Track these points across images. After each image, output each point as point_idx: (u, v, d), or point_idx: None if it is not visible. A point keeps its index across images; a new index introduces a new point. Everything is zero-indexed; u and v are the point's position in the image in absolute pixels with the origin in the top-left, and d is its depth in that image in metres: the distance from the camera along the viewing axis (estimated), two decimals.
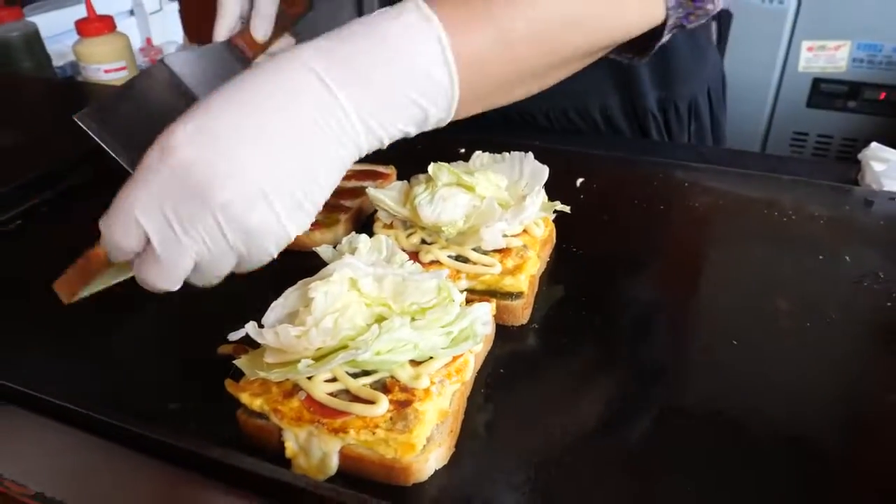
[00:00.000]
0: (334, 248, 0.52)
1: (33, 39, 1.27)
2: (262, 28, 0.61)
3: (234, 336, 0.43)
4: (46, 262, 0.48)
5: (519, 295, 0.54)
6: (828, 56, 1.58)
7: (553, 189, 0.64)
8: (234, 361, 0.44)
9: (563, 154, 0.75)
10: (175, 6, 1.73)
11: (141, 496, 0.40)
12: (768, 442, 0.43)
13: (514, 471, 0.42)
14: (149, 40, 1.61)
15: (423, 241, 0.57)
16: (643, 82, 0.83)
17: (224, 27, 0.61)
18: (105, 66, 1.13)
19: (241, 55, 0.61)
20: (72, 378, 0.49)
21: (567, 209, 0.60)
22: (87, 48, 1.13)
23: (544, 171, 0.58)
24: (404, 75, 0.41)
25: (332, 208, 0.64)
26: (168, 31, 1.68)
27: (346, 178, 0.66)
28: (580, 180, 0.72)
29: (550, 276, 0.60)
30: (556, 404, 0.47)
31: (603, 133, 0.88)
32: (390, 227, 0.59)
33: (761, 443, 0.43)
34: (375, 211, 0.62)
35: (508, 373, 0.51)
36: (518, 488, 0.41)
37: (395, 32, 0.41)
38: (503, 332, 0.54)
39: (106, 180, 0.45)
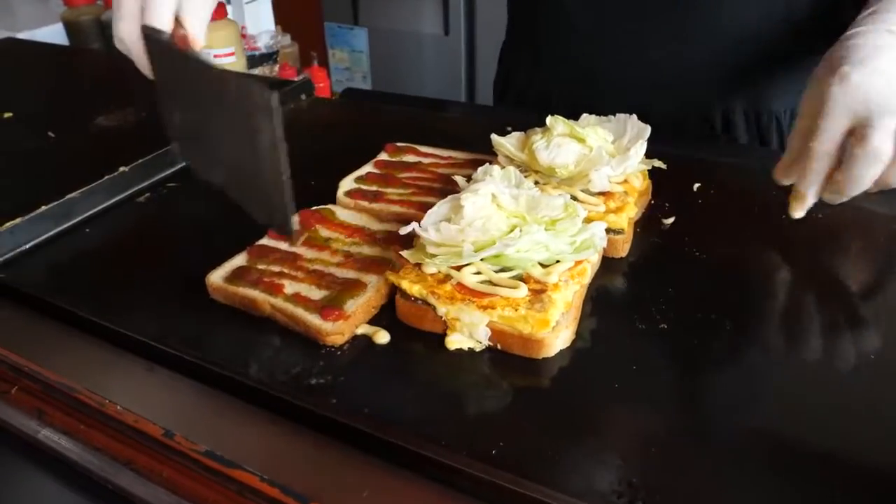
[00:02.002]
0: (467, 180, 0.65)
1: (105, 23, 1.42)
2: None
3: (404, 230, 0.55)
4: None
5: (620, 231, 0.65)
6: None
7: (669, 192, 0.72)
8: (402, 253, 0.56)
9: (681, 159, 0.78)
10: None
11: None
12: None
13: (615, 365, 0.53)
14: (243, 28, 1.77)
15: (537, 182, 0.69)
16: (774, 84, 0.84)
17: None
18: (216, 52, 1.29)
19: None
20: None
21: (664, 165, 0.70)
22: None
23: (646, 130, 0.69)
24: None
25: None
26: (262, 20, 1.83)
27: (460, 165, 0.79)
28: (696, 184, 0.76)
29: (644, 224, 0.71)
30: (645, 316, 0.57)
31: (720, 139, 0.89)
32: None
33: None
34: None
35: (608, 294, 0.62)
36: (621, 376, 0.51)
37: None
38: (605, 262, 0.65)
39: None
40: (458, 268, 0.55)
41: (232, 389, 0.49)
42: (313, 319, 0.54)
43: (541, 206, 0.57)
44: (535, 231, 0.55)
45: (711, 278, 0.62)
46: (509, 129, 0.90)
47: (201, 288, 0.61)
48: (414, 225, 0.56)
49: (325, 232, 0.66)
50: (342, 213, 0.69)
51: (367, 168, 0.79)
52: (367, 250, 0.63)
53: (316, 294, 0.57)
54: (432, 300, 0.54)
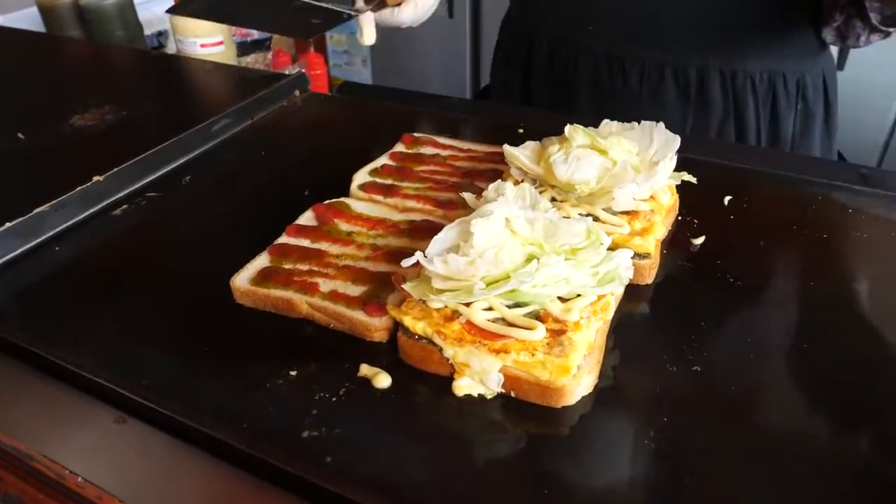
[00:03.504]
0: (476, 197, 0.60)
1: (126, 8, 1.39)
2: None
3: (407, 262, 0.51)
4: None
5: (646, 255, 0.61)
6: None
7: (697, 206, 0.68)
8: (403, 286, 0.52)
9: (708, 167, 0.75)
10: None
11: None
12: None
13: (642, 411, 0.49)
14: None
15: (554, 199, 0.64)
16: (749, 46, 0.87)
17: None
18: (202, 41, 1.24)
19: None
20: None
21: (694, 180, 0.66)
22: (186, 21, 1.24)
23: (675, 141, 0.65)
24: None
25: None
26: None
27: (480, 158, 0.76)
28: (728, 198, 0.72)
29: (671, 244, 0.66)
30: (676, 355, 0.53)
31: (692, 101, 0.90)
32: (521, 183, 0.66)
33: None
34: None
35: (633, 326, 0.58)
36: (650, 424, 0.48)
37: None
38: (630, 287, 0.60)
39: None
40: (468, 303, 0.51)
41: (214, 448, 0.45)
42: (358, 316, 0.54)
43: (560, 232, 0.53)
44: (553, 263, 0.50)
45: (747, 310, 0.58)
46: (521, 130, 0.86)
47: (186, 319, 0.57)
48: (418, 255, 0.51)
49: (344, 226, 0.66)
50: (358, 206, 0.69)
51: (383, 160, 0.78)
52: (394, 242, 0.63)
53: (353, 290, 0.57)
54: (438, 340, 0.50)
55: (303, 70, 1.08)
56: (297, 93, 1.00)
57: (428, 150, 0.80)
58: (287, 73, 1.04)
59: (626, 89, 0.93)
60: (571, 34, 0.96)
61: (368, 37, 0.78)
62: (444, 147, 0.80)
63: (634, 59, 0.91)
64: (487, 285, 0.49)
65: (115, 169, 0.76)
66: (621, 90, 0.94)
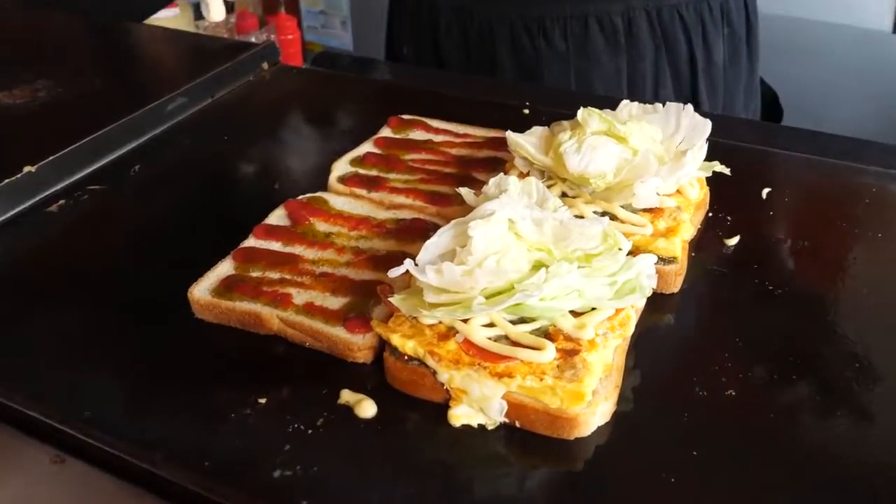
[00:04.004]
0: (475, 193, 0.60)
1: None
2: None
3: (395, 272, 0.51)
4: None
5: (672, 260, 0.61)
6: None
7: (730, 200, 0.68)
8: (390, 298, 0.52)
9: (742, 153, 0.74)
10: None
11: None
12: None
13: (668, 444, 0.49)
14: None
15: (564, 195, 0.64)
16: None
17: None
18: None
19: None
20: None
21: (727, 171, 0.66)
22: None
23: (706, 126, 0.65)
24: None
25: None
26: None
27: (479, 145, 0.76)
28: (766, 190, 0.72)
29: (701, 246, 0.66)
30: (707, 378, 0.53)
31: (622, 47, 0.98)
32: (526, 176, 0.66)
33: None
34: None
35: (656, 341, 0.58)
36: (677, 460, 0.47)
37: None
38: (652, 299, 0.60)
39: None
40: (466, 319, 0.50)
41: (167, 492, 0.45)
42: (339, 333, 0.54)
43: (572, 235, 0.53)
44: (564, 272, 0.50)
45: (791, 323, 0.58)
46: (526, 110, 0.86)
47: (135, 337, 0.57)
48: (408, 263, 0.51)
49: (322, 226, 0.65)
50: (337, 202, 0.68)
51: (366, 147, 0.77)
52: (379, 244, 0.63)
53: (333, 302, 0.57)
54: (431, 362, 0.50)
55: (272, 37, 1.08)
56: (265, 65, 1.00)
57: (419, 135, 0.80)
58: (254, 40, 1.04)
59: (549, 50, 0.99)
60: (479, 5, 1.02)
61: None
62: (438, 131, 0.80)
63: (554, 16, 0.98)
64: (488, 298, 0.49)
65: (50, 158, 0.75)
66: (545, 52, 1.00)
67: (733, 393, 0.52)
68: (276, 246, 0.63)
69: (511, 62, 1.02)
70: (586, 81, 1.01)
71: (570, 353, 0.49)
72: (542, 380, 0.48)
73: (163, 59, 1.05)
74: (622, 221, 0.62)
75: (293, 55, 1.81)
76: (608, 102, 0.70)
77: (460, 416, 0.50)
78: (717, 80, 1.05)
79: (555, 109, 0.79)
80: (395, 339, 0.51)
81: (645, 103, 0.69)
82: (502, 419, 0.50)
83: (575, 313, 0.52)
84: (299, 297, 0.58)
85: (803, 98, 1.34)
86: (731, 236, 0.66)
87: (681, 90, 1.04)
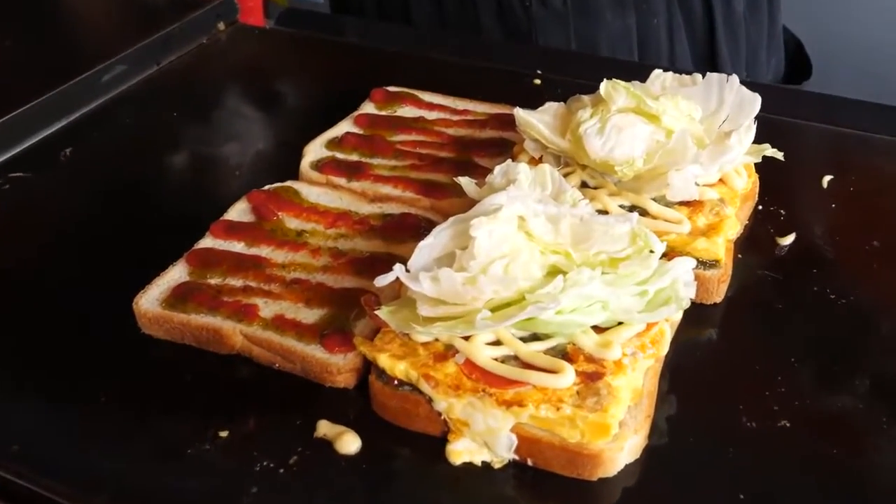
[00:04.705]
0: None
1: None
2: None
3: (382, 280, 0.52)
4: None
5: (714, 264, 0.62)
6: None
7: (787, 191, 0.68)
8: (377, 311, 0.53)
9: (798, 132, 0.75)
10: None
11: None
12: None
13: (709, 485, 0.50)
14: None
15: (584, 185, 0.65)
16: None
17: None
18: None
19: None
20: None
21: (780, 156, 0.67)
22: None
23: (755, 102, 0.66)
24: None
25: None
26: None
27: (480, 124, 0.78)
28: (827, 178, 0.73)
29: (749, 246, 0.68)
30: (755, 405, 0.54)
31: (630, 2, 0.99)
32: (538, 162, 0.67)
33: None
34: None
35: (696, 362, 0.59)
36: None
37: None
38: (691, 310, 0.61)
39: None
40: (467, 336, 0.52)
41: None
42: (314, 352, 0.55)
43: (594, 235, 0.54)
44: (585, 280, 0.51)
45: (856, 339, 0.60)
46: (537, 80, 0.87)
47: (72, 357, 0.58)
48: (398, 270, 0.52)
49: (293, 222, 0.66)
50: (311, 193, 0.69)
51: (345, 126, 0.78)
52: (362, 245, 0.64)
53: (307, 315, 0.58)
54: (426, 388, 0.51)
55: None
56: (220, 25, 1.01)
57: (408, 112, 0.80)
58: None
59: (544, 9, 1.00)
60: None
61: None
62: (431, 107, 0.81)
63: None
64: (494, 312, 0.50)
65: None
66: (538, 12, 1.00)
67: (787, 424, 0.53)
68: (238, 247, 0.64)
69: (495, 24, 1.03)
70: (589, 45, 1.01)
71: (592, 377, 0.50)
72: (558, 409, 0.49)
73: (99, 19, 1.05)
74: (654, 217, 0.63)
75: (253, 13, 1.81)
76: (641, 72, 0.71)
77: (461, 452, 0.51)
78: (739, 32, 1.06)
79: (573, 79, 0.81)
80: (383, 360, 0.52)
81: (658, 66, 0.70)
82: (511, 456, 0.51)
83: (598, 329, 0.53)
84: (267, 308, 0.58)
85: (833, 46, 1.34)
86: (784, 234, 0.68)
87: (697, 47, 1.04)
